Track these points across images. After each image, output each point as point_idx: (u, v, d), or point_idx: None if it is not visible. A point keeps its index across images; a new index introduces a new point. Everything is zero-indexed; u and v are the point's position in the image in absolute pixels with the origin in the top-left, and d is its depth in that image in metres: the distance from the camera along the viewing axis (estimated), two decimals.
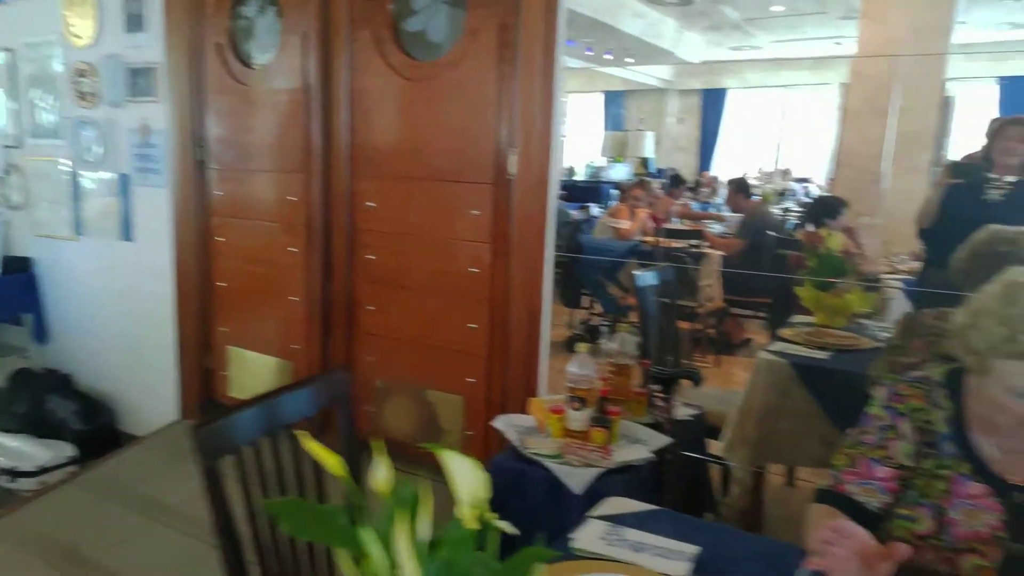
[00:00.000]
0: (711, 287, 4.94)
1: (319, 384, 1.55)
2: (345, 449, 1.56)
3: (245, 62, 3.21)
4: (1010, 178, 3.02)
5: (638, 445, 1.97)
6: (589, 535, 1.35)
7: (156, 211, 3.41)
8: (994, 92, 9.58)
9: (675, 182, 6.39)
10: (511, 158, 2.54)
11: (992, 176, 3.05)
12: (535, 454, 1.90)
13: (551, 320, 2.64)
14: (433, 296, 2.77)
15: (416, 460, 1.83)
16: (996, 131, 3.12)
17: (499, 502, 1.92)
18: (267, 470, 1.39)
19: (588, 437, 1.93)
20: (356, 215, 2.94)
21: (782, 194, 7.76)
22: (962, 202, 3.05)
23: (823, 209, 4.23)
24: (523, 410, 2.14)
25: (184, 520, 2.67)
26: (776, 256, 4.54)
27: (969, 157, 3.23)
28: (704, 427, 2.55)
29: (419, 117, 2.78)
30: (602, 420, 1.94)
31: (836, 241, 2.92)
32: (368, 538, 0.77)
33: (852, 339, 2.71)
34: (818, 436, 2.44)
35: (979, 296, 1.23)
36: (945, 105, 5.32)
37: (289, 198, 3.06)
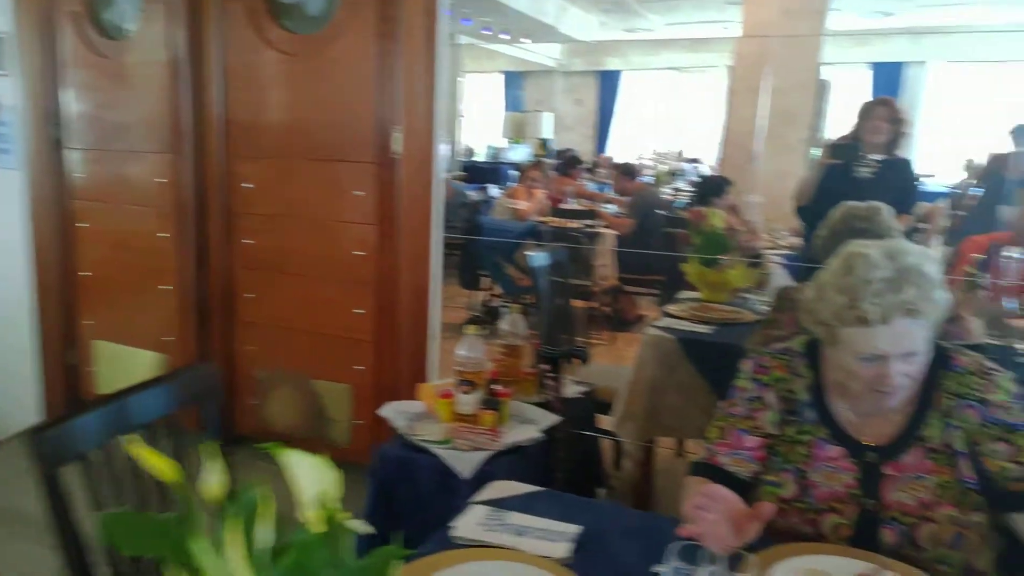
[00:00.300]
0: (605, 266, 5.02)
1: (180, 379, 1.44)
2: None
3: (106, 32, 2.96)
4: (877, 156, 3.19)
5: (528, 425, 1.96)
6: (470, 522, 1.32)
7: (7, 195, 3.11)
8: (867, 76, 10.24)
9: (572, 163, 6.44)
10: (395, 136, 2.46)
11: (863, 155, 3.23)
12: (423, 440, 1.85)
13: (449, 303, 2.59)
14: (317, 281, 2.66)
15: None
16: (864, 112, 3.30)
17: (387, 491, 1.89)
18: (122, 476, 1.28)
19: (477, 420, 1.90)
20: (232, 197, 2.78)
21: (674, 174, 8.01)
22: (836, 180, 3.20)
23: (709, 188, 4.38)
24: (414, 396, 2.09)
25: (46, 531, 2.46)
26: (665, 235, 4.66)
27: (845, 138, 3.40)
28: (595, 403, 2.58)
29: (298, 94, 2.65)
30: (491, 402, 1.91)
31: (718, 219, 3.00)
32: (200, 550, 0.70)
33: (735, 313, 2.80)
34: (703, 408, 2.51)
35: (823, 271, 1.27)
36: (821, 88, 5.60)
37: (158, 180, 2.86)
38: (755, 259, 3.76)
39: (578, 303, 5.01)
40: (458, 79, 9.69)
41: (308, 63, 2.61)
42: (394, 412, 1.99)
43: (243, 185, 2.76)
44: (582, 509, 1.38)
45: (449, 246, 5.28)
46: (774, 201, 4.27)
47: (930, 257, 1.21)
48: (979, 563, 1.24)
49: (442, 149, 2.48)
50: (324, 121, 2.59)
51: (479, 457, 1.79)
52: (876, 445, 1.26)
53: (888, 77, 10.01)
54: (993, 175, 5.00)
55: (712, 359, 2.47)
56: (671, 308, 2.88)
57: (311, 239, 2.65)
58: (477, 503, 1.39)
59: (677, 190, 7.22)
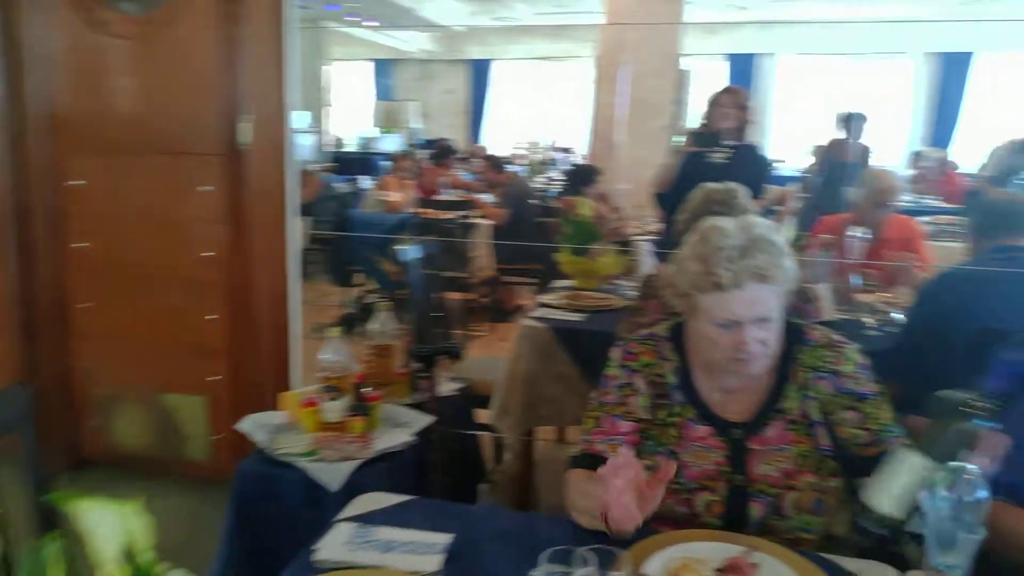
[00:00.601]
0: (482, 257, 4.99)
1: None
2: (31, 484, 1.28)
3: None
4: (731, 143, 3.30)
5: (401, 429, 1.88)
6: (334, 542, 1.23)
7: None
8: (724, 67, 10.83)
9: (445, 153, 6.34)
10: (242, 126, 2.28)
11: (722, 142, 3.34)
12: (285, 454, 1.73)
13: (320, 301, 2.44)
14: (162, 286, 2.43)
15: (155, 476, 1.58)
16: (712, 100, 3.41)
17: (249, 511, 1.75)
18: None
19: (346, 428, 1.79)
20: (60, 196, 2.49)
21: (546, 164, 8.09)
22: (693, 167, 3.29)
23: (579, 177, 4.43)
24: (277, 406, 1.95)
25: None
26: (539, 224, 4.68)
27: (703, 126, 3.50)
28: (471, 399, 2.52)
29: (134, 81, 2.41)
30: (360, 408, 1.82)
31: (587, 207, 3.02)
32: None
33: (607, 300, 2.83)
34: (580, 396, 2.51)
35: (682, 246, 1.32)
36: (681, 77, 5.79)
37: None
38: (624, 246, 3.84)
39: (455, 295, 4.96)
40: (323, 67, 9.34)
41: (144, 48, 2.37)
42: (254, 425, 1.85)
43: (73, 183, 2.48)
44: (455, 516, 1.33)
45: (318, 241, 5.09)
46: (640, 188, 4.38)
47: (778, 229, 1.28)
48: (837, 527, 1.31)
49: (303, 139, 2.33)
50: (164, 111, 2.38)
51: (348, 468, 1.69)
52: (741, 421, 1.30)
53: (743, 68, 10.63)
54: (831, 160, 5.37)
55: (585, 347, 2.47)
56: (545, 298, 2.87)
57: (154, 240, 2.42)
58: (342, 520, 1.30)
59: (550, 179, 7.30)
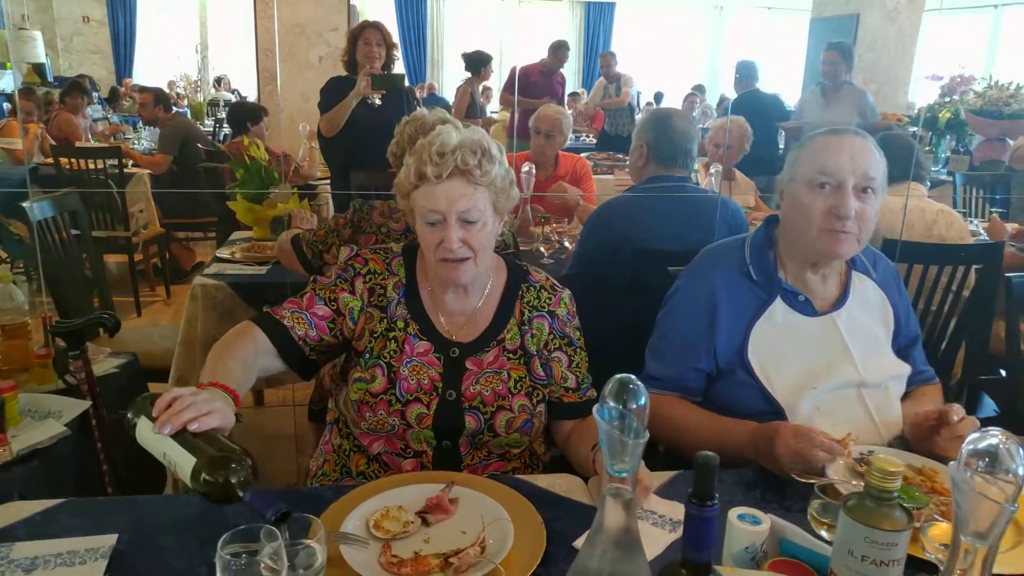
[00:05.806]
0: (144, 211, 4.39)
1: None
2: None
3: None
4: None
5: (49, 420, 1.61)
6: None
7: None
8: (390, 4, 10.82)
9: (76, 90, 5.36)
10: None
11: (398, 83, 3.27)
12: None
13: None
14: None
15: None
16: (355, 35, 3.23)
17: None
18: None
19: None
20: None
21: (214, 104, 7.33)
22: (360, 109, 3.17)
23: (243, 117, 4.04)
24: None
25: None
26: (208, 170, 4.23)
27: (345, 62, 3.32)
28: (141, 373, 2.22)
29: None
30: None
31: (260, 150, 2.78)
32: None
33: None
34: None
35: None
36: (351, 12, 5.57)
37: None
38: (309, 190, 3.64)
39: (115, 258, 4.33)
40: None
41: None
42: None
43: None
44: (122, 511, 1.14)
45: None
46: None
47: (497, 144, 1.33)
48: (540, 446, 1.44)
49: None
50: None
51: None
52: (461, 342, 1.36)
53: (410, 4, 10.82)
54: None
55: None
56: (223, 251, 2.64)
57: None
58: None
59: (219, 121, 6.68)
